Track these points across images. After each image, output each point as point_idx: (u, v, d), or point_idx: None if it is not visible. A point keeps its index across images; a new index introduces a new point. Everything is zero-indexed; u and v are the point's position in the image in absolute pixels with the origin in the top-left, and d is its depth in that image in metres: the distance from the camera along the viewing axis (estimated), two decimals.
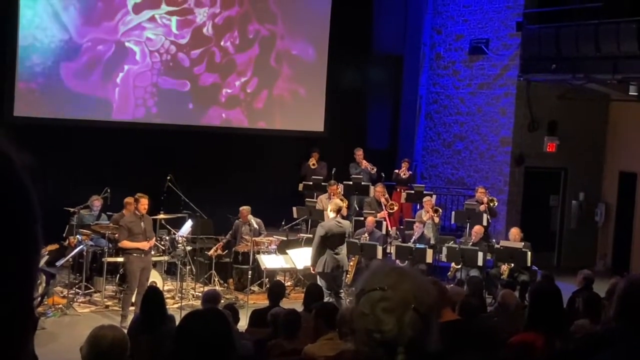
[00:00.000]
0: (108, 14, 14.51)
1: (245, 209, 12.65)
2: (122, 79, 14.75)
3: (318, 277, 10.57)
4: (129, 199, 11.29)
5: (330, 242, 10.51)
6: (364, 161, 15.43)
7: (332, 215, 10.79)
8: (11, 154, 0.94)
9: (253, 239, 12.27)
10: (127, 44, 14.73)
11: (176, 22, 15.14)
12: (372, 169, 15.35)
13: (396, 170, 15.84)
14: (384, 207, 14.00)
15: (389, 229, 13.69)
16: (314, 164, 15.49)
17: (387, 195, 14.37)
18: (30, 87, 13.99)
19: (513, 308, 7.61)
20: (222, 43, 15.73)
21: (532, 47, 15.06)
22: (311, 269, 10.78)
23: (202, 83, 15.60)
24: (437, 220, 13.52)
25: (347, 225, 11.01)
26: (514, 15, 15.47)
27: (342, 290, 10.74)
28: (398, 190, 15.21)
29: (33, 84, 14.00)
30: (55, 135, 13.90)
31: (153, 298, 7.00)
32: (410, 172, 15.88)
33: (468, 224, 13.38)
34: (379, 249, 11.93)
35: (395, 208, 14.21)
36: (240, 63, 15.97)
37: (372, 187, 14.50)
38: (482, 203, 13.74)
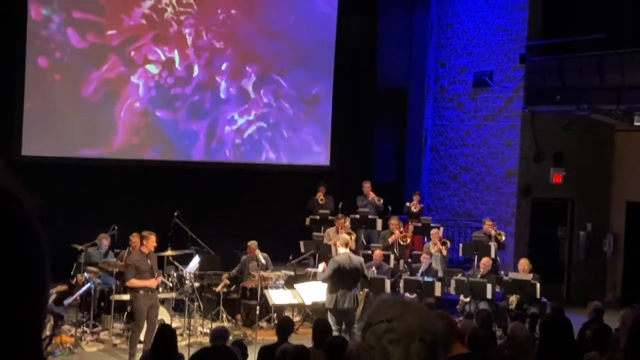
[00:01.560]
0: (113, 51, 14.65)
1: (252, 243, 12.63)
2: (128, 115, 14.84)
3: (328, 313, 10.51)
4: (134, 237, 11.30)
5: (342, 276, 10.45)
6: (372, 193, 15.45)
7: (341, 250, 10.76)
8: (20, 195, 0.95)
9: (261, 274, 12.23)
10: (132, 79, 14.85)
11: (179, 58, 15.27)
12: (379, 200, 15.36)
13: (407, 203, 15.84)
14: (397, 239, 14.00)
15: (399, 262, 13.63)
16: (322, 199, 15.50)
17: (401, 229, 14.36)
18: (38, 125, 14.07)
19: (523, 340, 7.55)
20: (227, 79, 15.84)
21: (536, 78, 15.13)
22: (325, 305, 10.68)
23: (208, 119, 15.68)
24: (444, 252, 13.48)
25: (358, 261, 10.90)
26: (517, 47, 15.56)
27: (355, 326, 10.64)
28: (409, 223, 15.19)
29: (41, 122, 14.09)
30: (63, 174, 13.95)
31: (165, 336, 6.97)
32: (422, 205, 15.89)
33: (476, 256, 13.33)
34: (387, 283, 11.89)
35: (409, 240, 14.21)
36: (246, 98, 16.07)
37: (379, 221, 14.49)
38: (490, 235, 13.70)
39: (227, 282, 12.54)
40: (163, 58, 15.10)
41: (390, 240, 13.74)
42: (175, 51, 15.20)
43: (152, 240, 10.38)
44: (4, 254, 0.91)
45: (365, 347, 1.68)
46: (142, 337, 10.20)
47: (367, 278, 11.32)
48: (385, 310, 1.72)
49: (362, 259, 11.38)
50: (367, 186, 15.57)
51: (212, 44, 15.63)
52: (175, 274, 11.79)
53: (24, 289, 0.93)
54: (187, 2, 15.27)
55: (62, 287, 10.79)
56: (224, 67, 15.79)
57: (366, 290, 11.84)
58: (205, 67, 15.56)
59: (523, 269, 12.58)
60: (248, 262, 12.69)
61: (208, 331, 10.73)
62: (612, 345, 6.11)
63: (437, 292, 12.09)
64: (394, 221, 14.34)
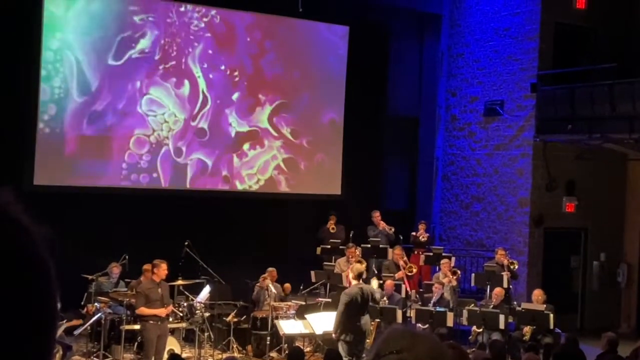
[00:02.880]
0: (128, 78, 14.76)
1: (273, 270, 12.72)
2: (136, 146, 14.90)
3: (339, 342, 10.44)
4: (147, 266, 11.29)
5: (354, 308, 10.38)
6: (382, 222, 15.39)
7: (354, 282, 10.69)
8: (30, 228, 0.94)
9: (272, 304, 12.19)
10: (140, 109, 14.92)
11: (190, 89, 15.35)
12: (390, 229, 15.30)
13: (413, 233, 15.78)
14: (402, 269, 13.92)
15: (409, 291, 13.57)
16: (333, 228, 15.46)
17: (405, 258, 14.29)
18: (50, 155, 14.14)
19: None
20: (238, 109, 15.91)
21: (548, 107, 15.12)
22: (333, 335, 10.64)
23: (219, 149, 15.72)
24: (454, 283, 13.39)
25: (370, 289, 10.85)
26: (528, 77, 15.59)
27: (364, 356, 10.57)
28: (416, 252, 15.12)
29: (52, 151, 14.17)
30: (74, 203, 13.99)
31: None
32: (428, 235, 15.81)
33: (488, 286, 13.23)
34: (399, 313, 11.81)
35: (414, 271, 14.12)
36: (257, 128, 16.11)
37: (390, 250, 14.43)
38: (502, 265, 13.62)
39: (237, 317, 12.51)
40: (173, 88, 15.18)
41: (397, 276, 13.64)
42: (186, 81, 15.28)
43: (162, 269, 10.37)
44: (12, 288, 0.90)
45: None
46: None
47: (377, 302, 11.28)
48: (394, 341, 1.69)
49: (373, 288, 11.33)
50: (376, 216, 15.52)
51: (223, 74, 15.71)
52: (185, 304, 11.76)
53: (32, 321, 0.92)
54: (197, 30, 15.39)
55: (76, 322, 10.78)
56: (235, 97, 15.86)
57: (377, 320, 11.76)
58: (216, 96, 15.63)
59: (537, 300, 12.48)
60: (263, 293, 12.67)
61: None
62: None
63: (449, 322, 11.99)
64: (397, 251, 14.26)
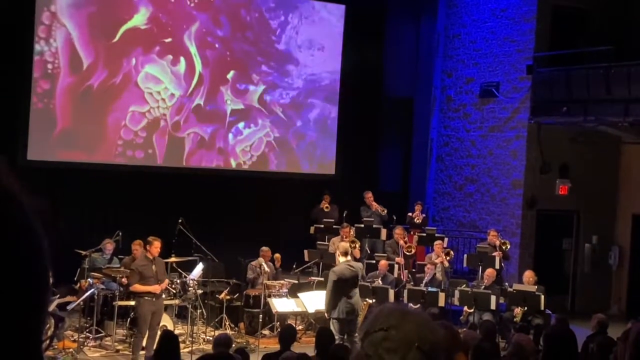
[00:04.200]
0: (123, 54, 14.69)
1: (267, 250, 12.72)
2: (132, 121, 14.87)
3: (331, 321, 10.49)
4: (136, 245, 11.33)
5: (343, 286, 10.44)
6: (374, 203, 15.40)
7: (341, 259, 10.74)
8: (23, 199, 0.95)
9: (265, 282, 12.24)
10: (138, 86, 14.88)
11: (185, 68, 15.29)
12: (383, 210, 15.31)
13: (409, 214, 15.81)
14: (402, 250, 13.98)
15: (402, 272, 13.63)
16: (327, 207, 15.47)
17: (406, 238, 14.34)
18: (44, 130, 14.10)
19: (527, 352, 7.51)
20: (233, 88, 15.87)
21: (543, 90, 15.11)
22: (325, 314, 10.69)
23: (213, 127, 15.70)
24: (446, 264, 13.45)
25: (358, 267, 10.93)
26: (524, 58, 15.56)
27: (356, 334, 10.62)
28: (412, 233, 15.16)
29: (46, 126, 14.12)
30: (68, 179, 13.98)
31: (169, 343, 6.96)
32: (424, 215, 15.84)
33: (480, 267, 13.30)
34: (391, 293, 11.87)
35: (413, 251, 14.19)
36: (252, 107, 16.09)
37: (384, 230, 14.47)
38: (495, 246, 13.68)
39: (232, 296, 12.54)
40: (169, 66, 15.12)
41: (397, 261, 13.69)
42: (182, 58, 15.22)
43: (155, 246, 10.37)
44: (5, 256, 0.90)
45: (362, 356, 1.67)
46: (144, 343, 10.18)
47: (364, 279, 11.41)
48: (383, 318, 1.70)
49: (361, 265, 11.40)
50: (368, 196, 15.52)
51: (219, 51, 15.65)
52: (178, 281, 11.80)
53: (24, 291, 0.93)
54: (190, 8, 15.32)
55: (70, 298, 10.80)
56: (230, 75, 15.81)
57: (369, 301, 11.80)
58: (210, 74, 15.58)
59: (528, 281, 12.55)
60: (259, 271, 12.70)
61: (211, 338, 10.71)
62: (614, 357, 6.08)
63: (441, 302, 12.07)
64: (398, 231, 14.32)
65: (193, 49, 15.35)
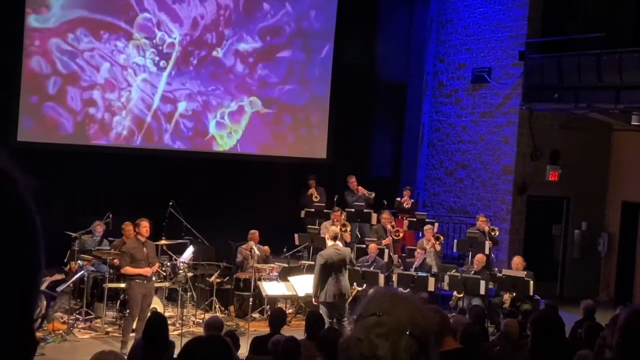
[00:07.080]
0: (115, 37, 14.61)
1: (255, 232, 12.71)
2: (125, 104, 14.81)
3: (320, 305, 10.52)
4: (126, 225, 11.31)
5: (331, 270, 10.47)
6: (360, 187, 15.39)
7: (330, 243, 10.77)
8: (15, 176, 0.94)
9: (255, 265, 12.25)
10: (129, 69, 14.81)
11: (180, 50, 15.22)
12: (370, 194, 15.28)
13: (398, 199, 15.82)
14: (389, 234, 14.00)
15: (392, 256, 13.67)
16: (316, 197, 15.37)
17: (393, 222, 14.35)
18: (34, 112, 14.04)
19: (515, 337, 7.56)
20: (226, 72, 15.80)
21: (535, 76, 15.12)
22: (313, 299, 10.73)
23: (204, 109, 15.65)
24: (438, 248, 13.49)
25: (346, 251, 10.97)
26: (516, 44, 15.56)
27: (345, 318, 10.67)
28: (400, 218, 15.19)
29: (36, 109, 14.06)
30: (58, 161, 13.92)
31: (156, 324, 6.94)
32: (413, 200, 15.85)
33: (470, 253, 13.35)
34: (381, 277, 11.90)
35: (401, 235, 14.22)
36: (244, 90, 16.03)
37: (374, 214, 14.48)
38: (484, 232, 13.73)
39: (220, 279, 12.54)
40: (162, 49, 15.05)
41: (384, 242, 13.70)
42: (175, 46, 15.15)
43: (143, 226, 10.33)
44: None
45: (354, 340, 1.67)
46: (134, 326, 10.19)
47: (354, 265, 11.40)
48: (376, 303, 1.70)
49: (349, 249, 11.43)
50: (352, 181, 15.49)
51: (207, 31, 15.58)
52: (169, 264, 11.80)
53: (16, 269, 0.93)
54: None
55: (58, 277, 10.77)
56: (220, 54, 15.74)
57: (358, 287, 11.81)
58: (202, 54, 15.51)
59: (517, 267, 12.60)
60: (248, 254, 12.70)
61: (201, 321, 10.73)
62: (601, 343, 6.12)
63: (431, 287, 12.11)
64: (385, 215, 14.33)
65: (187, 37, 15.28)
